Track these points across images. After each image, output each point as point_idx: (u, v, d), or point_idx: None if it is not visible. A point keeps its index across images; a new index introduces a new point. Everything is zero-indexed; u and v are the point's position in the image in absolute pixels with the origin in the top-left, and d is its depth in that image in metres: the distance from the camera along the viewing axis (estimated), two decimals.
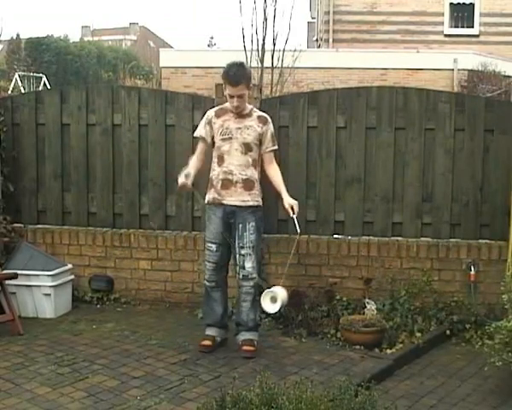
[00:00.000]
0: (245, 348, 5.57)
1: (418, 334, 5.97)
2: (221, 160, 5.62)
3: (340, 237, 6.73)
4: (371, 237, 6.68)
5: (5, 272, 6.36)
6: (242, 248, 5.56)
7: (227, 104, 5.69)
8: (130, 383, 4.94)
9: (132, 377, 5.04)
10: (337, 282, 6.58)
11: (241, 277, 5.61)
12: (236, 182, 5.57)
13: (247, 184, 5.59)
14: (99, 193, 7.12)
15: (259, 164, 5.74)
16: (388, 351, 5.71)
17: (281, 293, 5.47)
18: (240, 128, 5.60)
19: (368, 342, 5.77)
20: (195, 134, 5.87)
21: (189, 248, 6.79)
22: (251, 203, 5.60)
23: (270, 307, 5.48)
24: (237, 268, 5.63)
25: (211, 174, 5.71)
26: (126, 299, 6.97)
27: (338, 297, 6.46)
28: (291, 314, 6.26)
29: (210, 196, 5.69)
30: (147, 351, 5.59)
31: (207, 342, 5.64)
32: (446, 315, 6.33)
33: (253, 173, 5.64)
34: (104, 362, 5.32)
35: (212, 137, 5.69)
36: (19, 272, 6.34)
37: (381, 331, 5.87)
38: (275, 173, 5.74)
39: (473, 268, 6.41)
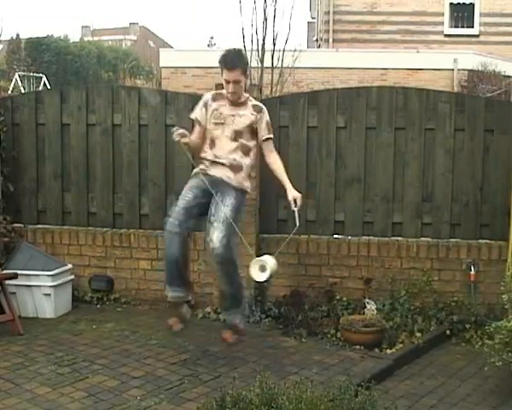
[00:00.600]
0: (225, 335, 5.51)
1: (418, 334, 5.98)
2: (212, 143, 5.60)
3: (340, 237, 6.74)
4: (371, 237, 6.69)
5: (5, 272, 6.36)
6: (214, 217, 5.33)
7: (225, 90, 5.65)
8: (131, 383, 4.94)
9: (132, 377, 5.04)
10: (337, 282, 6.59)
11: (210, 250, 5.34)
12: (223, 164, 5.51)
13: (234, 167, 5.51)
14: (99, 193, 7.12)
15: (254, 152, 5.67)
16: (388, 351, 5.71)
17: (270, 262, 5.38)
18: (233, 115, 5.57)
19: (368, 342, 5.77)
20: (191, 116, 5.80)
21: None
22: (234, 184, 5.48)
23: (258, 275, 5.36)
24: (207, 239, 5.40)
25: (202, 154, 5.65)
26: (126, 299, 6.97)
27: (338, 297, 6.46)
28: (291, 314, 6.27)
29: (199, 168, 5.61)
30: (147, 351, 5.60)
31: (173, 321, 5.58)
32: (446, 315, 6.33)
33: (242, 158, 5.55)
34: (104, 362, 5.33)
35: (206, 121, 5.65)
36: (19, 272, 6.34)
37: (381, 331, 5.87)
38: (274, 162, 5.68)
39: (473, 268, 6.42)
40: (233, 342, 5.51)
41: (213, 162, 5.56)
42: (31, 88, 25.08)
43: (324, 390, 4.03)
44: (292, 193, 5.53)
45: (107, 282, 6.99)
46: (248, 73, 5.67)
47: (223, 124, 5.57)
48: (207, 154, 5.62)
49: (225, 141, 5.56)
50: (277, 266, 5.47)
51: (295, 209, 5.48)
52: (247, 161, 5.60)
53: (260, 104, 5.73)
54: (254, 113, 5.61)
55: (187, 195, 5.51)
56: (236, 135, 5.56)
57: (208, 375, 5.11)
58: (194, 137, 5.66)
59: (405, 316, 6.18)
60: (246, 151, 5.60)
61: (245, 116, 5.59)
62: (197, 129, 5.75)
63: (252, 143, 5.65)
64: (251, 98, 5.75)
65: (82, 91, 7.18)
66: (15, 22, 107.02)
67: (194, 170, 5.69)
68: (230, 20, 18.20)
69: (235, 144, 5.55)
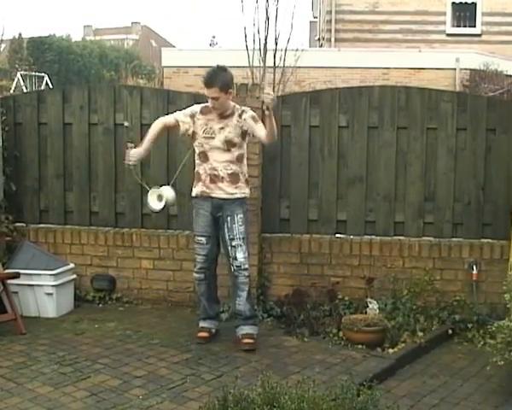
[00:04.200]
0: (245, 340, 5.68)
1: (420, 333, 5.97)
2: (205, 157, 5.74)
3: (342, 236, 6.73)
4: (373, 237, 6.68)
5: (7, 271, 6.36)
6: (233, 239, 5.69)
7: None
8: (133, 382, 4.94)
9: (134, 377, 5.04)
10: (339, 281, 6.59)
11: (234, 268, 5.73)
12: (222, 177, 5.70)
13: (233, 179, 5.70)
14: (101, 192, 7.12)
15: (245, 156, 5.83)
16: (390, 350, 5.71)
17: (166, 192, 5.76)
18: (222, 128, 5.70)
19: (370, 341, 5.76)
20: (174, 114, 5.91)
21: (191, 248, 6.77)
22: (238, 196, 5.72)
23: (155, 204, 5.82)
24: (230, 260, 5.75)
25: (197, 169, 5.84)
26: (128, 298, 6.97)
27: (340, 297, 6.46)
28: (293, 314, 6.27)
29: (198, 189, 5.80)
30: (149, 350, 5.59)
31: (204, 334, 5.84)
32: (448, 314, 6.33)
33: (239, 167, 5.74)
34: (106, 361, 5.33)
35: (187, 130, 5.80)
36: (21, 271, 6.34)
37: (383, 331, 5.87)
38: (266, 131, 5.62)
39: (475, 267, 6.41)
40: (252, 347, 5.64)
41: (212, 177, 5.72)
42: (33, 87, 25.15)
43: (326, 390, 4.03)
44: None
45: (109, 281, 6.99)
46: (232, 90, 5.73)
47: (213, 138, 5.71)
48: (202, 168, 5.79)
49: (218, 152, 5.70)
50: (175, 198, 5.86)
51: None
52: (242, 169, 5.79)
53: (243, 108, 5.82)
54: (239, 119, 5.72)
55: (200, 239, 5.82)
56: (228, 145, 5.69)
57: (210, 374, 5.11)
58: (151, 138, 5.87)
59: (407, 315, 6.17)
60: (239, 158, 5.77)
61: (232, 125, 5.71)
62: (170, 122, 5.90)
63: (244, 148, 5.80)
64: (237, 107, 5.81)
65: (84, 91, 7.18)
66: (17, 21, 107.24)
67: (195, 192, 5.83)
68: (232, 20, 18.28)
69: (228, 155, 5.70)
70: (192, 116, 5.80)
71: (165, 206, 5.82)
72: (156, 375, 5.08)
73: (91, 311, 6.71)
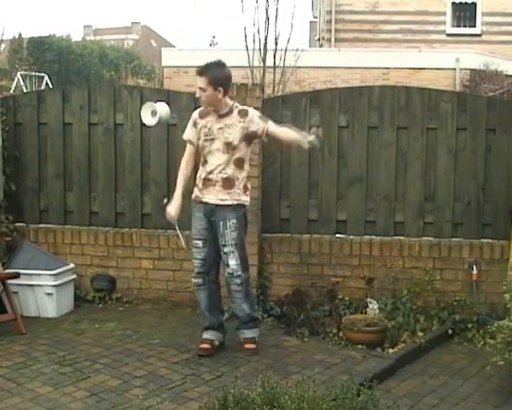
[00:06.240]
0: (247, 346, 5.62)
1: (420, 333, 5.97)
2: (204, 160, 5.59)
3: (342, 236, 6.73)
4: (373, 237, 6.68)
5: (7, 271, 6.36)
6: (225, 246, 5.52)
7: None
8: (133, 382, 4.94)
9: (134, 377, 5.04)
10: (339, 281, 6.59)
11: (227, 275, 5.59)
12: (216, 181, 5.51)
13: (227, 183, 5.50)
14: (101, 192, 7.12)
15: (247, 161, 5.62)
16: (390, 350, 5.71)
17: (160, 108, 5.70)
18: (221, 128, 5.52)
19: (370, 341, 5.77)
20: (183, 136, 5.76)
21: (191, 248, 6.78)
22: (229, 202, 5.50)
23: (148, 119, 5.75)
24: (224, 266, 5.62)
25: (197, 174, 5.67)
26: (128, 298, 6.97)
27: (340, 297, 6.47)
28: (293, 314, 6.27)
29: (193, 194, 5.67)
30: (149, 350, 5.59)
31: (205, 346, 5.59)
32: (448, 314, 6.34)
33: (236, 172, 5.51)
34: (106, 361, 5.32)
35: (198, 139, 5.64)
36: (21, 271, 6.34)
37: (383, 331, 5.87)
38: (285, 136, 5.58)
39: (475, 267, 6.42)
40: (255, 352, 5.57)
41: (205, 181, 5.56)
42: (33, 87, 25.18)
43: (326, 390, 4.03)
44: (305, 136, 5.44)
45: (109, 281, 6.99)
46: (222, 88, 5.47)
47: (213, 139, 5.53)
48: (200, 172, 5.64)
49: (217, 155, 5.52)
50: (169, 113, 5.83)
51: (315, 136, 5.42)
52: (240, 174, 5.55)
53: (245, 108, 5.64)
54: (241, 120, 5.52)
55: (197, 243, 5.65)
56: (228, 147, 5.50)
57: (210, 374, 5.11)
58: (184, 167, 5.71)
59: (407, 315, 6.18)
60: (239, 163, 5.54)
61: (233, 126, 5.51)
62: (189, 150, 5.73)
63: (245, 152, 5.57)
64: (237, 105, 5.64)
65: (84, 91, 7.18)
66: (18, 21, 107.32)
67: (192, 196, 5.70)
68: (232, 20, 18.28)
69: (226, 157, 5.50)
70: (194, 124, 5.66)
71: (158, 122, 5.69)
72: (156, 375, 5.08)
73: (91, 311, 6.72)
